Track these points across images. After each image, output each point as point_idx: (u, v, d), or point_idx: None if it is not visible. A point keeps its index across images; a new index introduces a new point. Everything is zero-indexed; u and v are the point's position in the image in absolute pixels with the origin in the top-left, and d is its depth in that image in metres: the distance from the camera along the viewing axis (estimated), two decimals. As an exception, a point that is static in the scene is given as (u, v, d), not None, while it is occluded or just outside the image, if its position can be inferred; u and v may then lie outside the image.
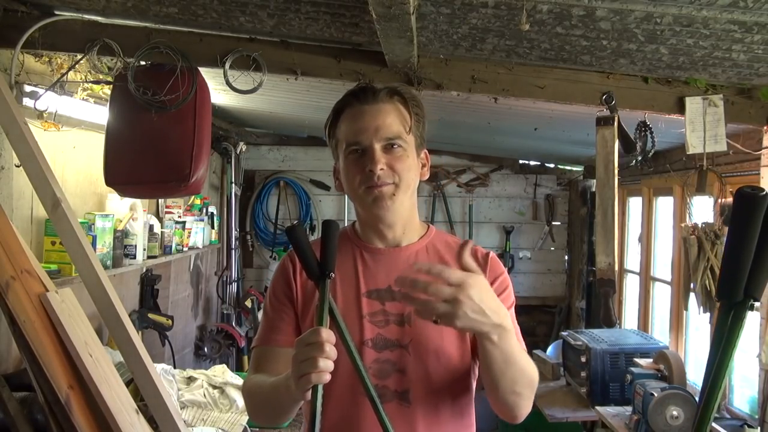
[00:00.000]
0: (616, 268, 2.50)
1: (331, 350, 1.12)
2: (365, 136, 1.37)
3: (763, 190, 0.99)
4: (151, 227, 3.53)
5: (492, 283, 1.38)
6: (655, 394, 2.88)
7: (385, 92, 1.41)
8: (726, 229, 2.91)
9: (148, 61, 2.48)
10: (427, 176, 1.48)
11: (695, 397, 2.89)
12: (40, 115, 2.51)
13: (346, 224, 6.04)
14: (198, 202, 4.46)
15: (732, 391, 3.30)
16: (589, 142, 3.21)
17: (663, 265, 4.21)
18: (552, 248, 5.89)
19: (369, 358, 1.35)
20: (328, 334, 1.13)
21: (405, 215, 1.43)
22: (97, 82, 2.73)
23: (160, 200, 3.98)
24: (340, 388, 1.32)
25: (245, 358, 5.15)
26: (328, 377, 1.12)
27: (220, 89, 3.14)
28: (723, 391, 3.31)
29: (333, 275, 1.25)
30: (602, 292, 2.51)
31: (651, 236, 4.33)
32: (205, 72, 2.63)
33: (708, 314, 2.79)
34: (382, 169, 1.35)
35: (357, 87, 1.44)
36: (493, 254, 1.49)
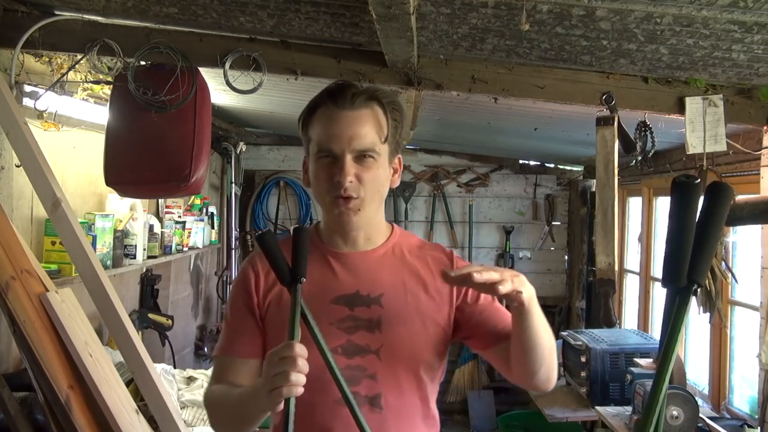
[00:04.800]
0: (616, 268, 2.50)
1: (303, 365, 1.12)
2: (338, 144, 1.33)
3: (696, 178, 1.03)
4: (151, 227, 3.53)
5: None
6: (655, 394, 2.87)
7: (363, 97, 1.36)
8: (727, 229, 2.92)
9: (148, 61, 2.48)
10: (397, 183, 1.45)
11: (695, 397, 2.89)
12: (40, 115, 2.51)
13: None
14: (198, 202, 4.46)
15: (732, 391, 3.31)
16: (589, 142, 3.21)
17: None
18: (552, 248, 5.89)
19: (340, 365, 1.31)
20: (300, 349, 1.13)
21: (368, 224, 1.41)
22: (97, 82, 2.73)
23: (160, 200, 3.98)
24: (309, 394, 1.30)
25: (245, 358, 5.14)
26: (300, 390, 1.12)
27: (220, 89, 3.14)
28: (723, 389, 3.31)
29: (304, 280, 1.24)
30: (602, 292, 2.51)
31: (651, 236, 4.34)
32: (205, 72, 2.62)
33: (708, 314, 2.79)
34: (351, 181, 1.33)
35: (335, 85, 1.39)
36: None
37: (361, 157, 1.34)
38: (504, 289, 1.16)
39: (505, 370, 1.44)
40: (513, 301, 1.22)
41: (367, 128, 1.34)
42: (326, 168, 1.35)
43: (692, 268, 1.03)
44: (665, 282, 1.06)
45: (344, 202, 1.34)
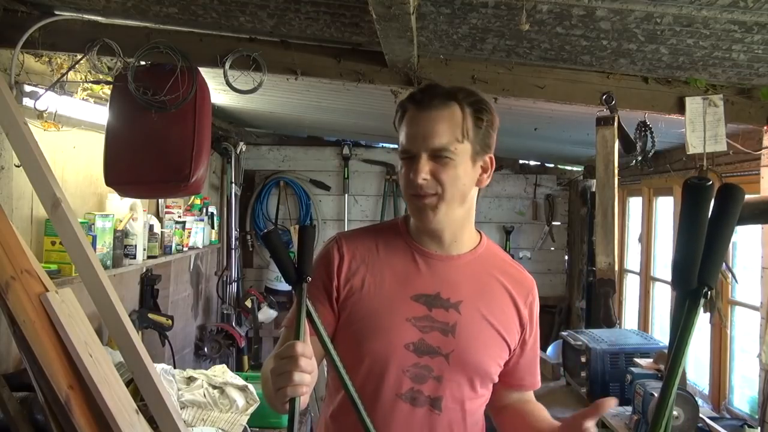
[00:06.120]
0: (616, 268, 2.50)
1: (306, 364, 1.11)
2: (414, 144, 1.37)
3: (708, 180, 1.01)
4: (151, 227, 3.53)
5: (533, 328, 1.48)
6: (655, 394, 2.87)
7: (442, 96, 1.38)
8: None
9: (148, 61, 2.48)
10: (486, 183, 1.45)
11: (695, 397, 2.89)
12: (40, 115, 2.51)
13: (345, 224, 6.01)
14: (198, 202, 4.46)
15: (732, 391, 3.30)
16: (589, 142, 3.21)
17: (663, 265, 4.21)
18: (552, 248, 5.89)
19: (409, 362, 1.37)
20: (303, 348, 1.12)
21: (453, 224, 1.43)
22: (97, 82, 2.73)
23: (160, 200, 3.97)
24: (370, 387, 1.33)
25: (245, 358, 5.14)
26: (304, 390, 1.12)
27: (220, 89, 3.14)
28: (723, 389, 3.30)
29: (310, 279, 1.25)
30: (602, 292, 2.51)
31: (651, 236, 4.33)
32: (205, 72, 2.62)
33: (708, 314, 2.79)
34: (425, 179, 1.35)
35: (419, 87, 1.45)
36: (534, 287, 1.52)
37: (438, 156, 1.35)
38: None
39: (494, 409, 1.53)
40: None
41: (442, 127, 1.35)
42: (406, 167, 1.39)
43: (703, 271, 1.01)
44: (675, 285, 1.04)
45: (420, 199, 1.37)
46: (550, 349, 4.56)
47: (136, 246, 3.22)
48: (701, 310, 1.03)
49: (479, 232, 1.52)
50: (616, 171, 2.46)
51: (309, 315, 1.23)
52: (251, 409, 3.10)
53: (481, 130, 1.39)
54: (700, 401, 2.99)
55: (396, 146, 6.16)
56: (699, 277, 1.02)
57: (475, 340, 1.39)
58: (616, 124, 2.45)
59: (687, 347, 1.01)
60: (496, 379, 1.46)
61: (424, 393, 1.37)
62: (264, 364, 1.45)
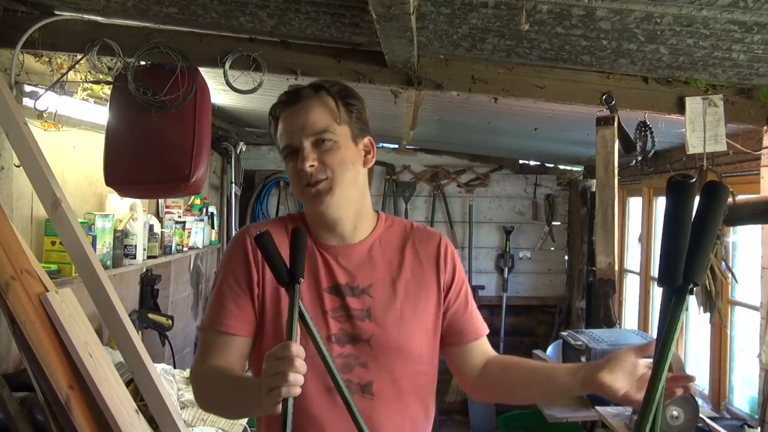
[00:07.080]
0: (616, 268, 2.50)
1: (301, 365, 1.12)
2: (295, 136, 1.39)
3: (692, 177, 1.03)
4: (151, 227, 3.53)
5: (454, 276, 1.48)
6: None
7: (309, 89, 1.42)
8: (726, 229, 2.91)
9: (148, 61, 2.48)
10: (371, 163, 1.48)
11: (695, 397, 2.89)
12: (40, 115, 2.51)
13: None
14: (198, 202, 4.46)
15: (732, 391, 3.31)
16: (589, 142, 3.21)
17: (663, 265, 4.21)
18: (552, 248, 5.89)
19: (333, 353, 1.37)
20: (298, 349, 1.13)
21: (351, 210, 1.44)
22: (97, 82, 2.73)
23: (160, 200, 3.97)
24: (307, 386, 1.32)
25: (245, 358, 5.14)
26: (298, 391, 1.12)
27: (220, 89, 3.14)
28: (723, 389, 3.30)
29: (302, 280, 1.24)
30: (602, 292, 2.51)
31: (651, 236, 4.34)
32: (205, 72, 2.62)
33: (708, 314, 2.79)
34: (312, 165, 1.37)
35: (284, 92, 1.46)
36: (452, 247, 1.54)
37: (319, 141, 1.38)
38: None
39: (461, 373, 1.50)
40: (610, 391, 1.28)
41: (317, 113, 1.39)
42: (292, 162, 1.40)
43: (688, 268, 1.03)
44: (661, 281, 1.06)
45: (312, 187, 1.38)
46: (550, 349, 4.55)
47: (136, 246, 3.22)
48: (687, 306, 1.04)
49: (376, 212, 1.52)
50: (616, 171, 2.46)
51: (301, 315, 1.22)
52: (251, 409, 3.10)
53: (353, 114, 1.43)
54: (699, 401, 2.99)
55: (396, 146, 6.12)
56: (685, 274, 1.02)
57: (392, 319, 1.40)
58: (616, 124, 2.45)
59: (673, 343, 1.02)
60: (426, 359, 1.45)
61: (353, 381, 1.38)
62: (202, 370, 1.39)
